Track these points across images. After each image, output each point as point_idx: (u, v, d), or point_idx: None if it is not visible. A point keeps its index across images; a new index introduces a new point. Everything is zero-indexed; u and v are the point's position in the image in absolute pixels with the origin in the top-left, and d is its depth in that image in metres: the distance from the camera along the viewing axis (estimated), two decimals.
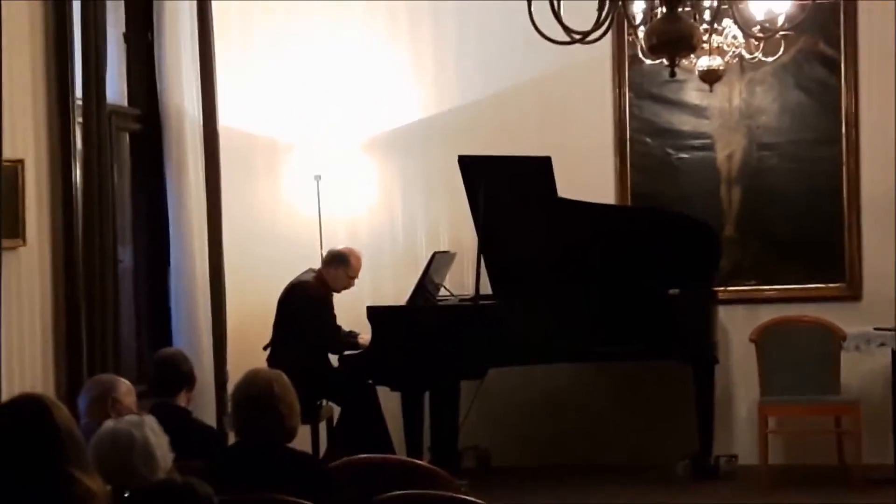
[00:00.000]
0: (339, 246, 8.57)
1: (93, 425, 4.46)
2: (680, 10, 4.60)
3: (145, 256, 8.51)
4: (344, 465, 5.18)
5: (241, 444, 4.74)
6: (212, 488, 4.17)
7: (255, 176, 9.22)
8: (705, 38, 6.00)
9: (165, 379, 5.99)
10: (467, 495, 6.69)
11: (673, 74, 4.78)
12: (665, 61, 4.72)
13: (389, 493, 4.50)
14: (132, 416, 4.21)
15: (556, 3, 4.72)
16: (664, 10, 4.62)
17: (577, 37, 4.52)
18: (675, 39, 4.44)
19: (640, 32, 4.93)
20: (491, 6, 8.83)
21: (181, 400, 5.94)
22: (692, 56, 7.04)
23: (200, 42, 8.51)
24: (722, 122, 8.98)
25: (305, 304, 8.30)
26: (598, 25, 4.44)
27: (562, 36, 4.87)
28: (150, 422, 4.03)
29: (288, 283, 8.40)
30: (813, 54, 8.86)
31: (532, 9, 4.88)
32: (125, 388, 5.30)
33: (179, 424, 5.58)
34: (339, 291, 8.47)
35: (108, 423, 4.01)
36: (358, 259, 8.47)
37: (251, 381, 4.75)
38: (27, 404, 3.45)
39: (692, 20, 4.67)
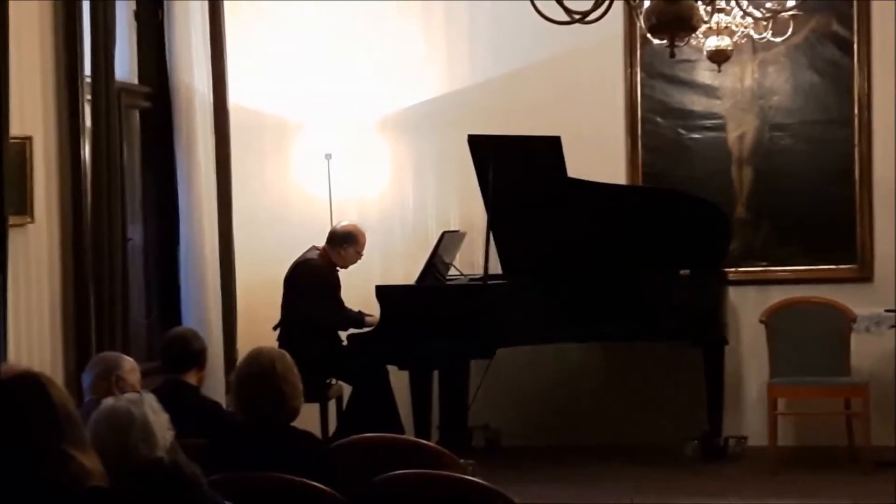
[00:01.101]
0: (343, 224, 8.54)
1: (96, 402, 4.46)
2: None
3: (155, 234, 8.51)
4: (347, 445, 5.18)
5: (243, 423, 4.73)
6: (211, 467, 4.19)
7: (265, 155, 9.23)
8: (707, 18, 5.97)
9: (174, 356, 5.97)
10: (474, 475, 6.71)
11: (672, 55, 4.76)
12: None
13: (389, 473, 4.50)
14: (131, 393, 4.20)
15: None
16: None
17: (577, 17, 4.50)
18: (674, 20, 4.41)
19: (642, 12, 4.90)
20: None
21: (191, 378, 5.92)
22: (700, 36, 7.02)
23: (211, 20, 8.52)
24: (734, 102, 8.94)
25: (311, 282, 8.31)
26: (597, 5, 4.42)
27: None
28: (150, 399, 4.01)
29: (293, 262, 8.41)
30: (826, 34, 8.81)
31: None
32: (129, 365, 5.30)
33: (188, 402, 5.61)
34: (347, 268, 8.49)
35: (108, 401, 3.98)
36: (363, 234, 8.48)
37: (254, 360, 4.74)
38: (24, 382, 3.45)
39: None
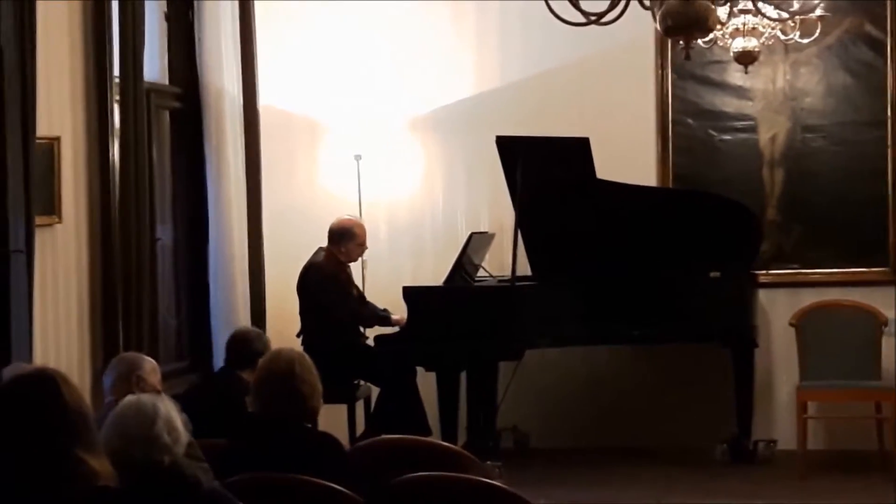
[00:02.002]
0: (337, 221, 8.48)
1: (116, 403, 4.47)
2: None
3: (185, 234, 8.51)
4: (367, 446, 5.19)
5: (261, 424, 4.74)
6: (230, 466, 4.20)
7: (294, 155, 9.23)
8: (726, 19, 5.95)
9: (233, 352, 6.42)
10: (501, 476, 6.70)
11: (688, 57, 4.74)
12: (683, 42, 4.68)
13: (408, 475, 4.50)
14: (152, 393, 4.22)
15: None
16: None
17: (593, 18, 4.48)
18: (689, 22, 4.40)
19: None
20: None
21: (247, 376, 6.01)
22: (729, 37, 6.98)
23: (241, 21, 8.55)
24: (765, 103, 8.89)
25: (323, 284, 8.28)
26: (612, 6, 4.40)
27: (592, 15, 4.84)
28: (169, 401, 4.04)
29: (301, 268, 8.39)
30: (859, 36, 8.75)
31: None
32: (150, 366, 5.32)
33: (235, 394, 5.68)
34: (355, 261, 8.49)
35: (130, 396, 4.01)
36: (361, 226, 8.46)
37: (273, 361, 4.77)
38: (38, 382, 3.47)
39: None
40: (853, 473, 8.04)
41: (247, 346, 6.42)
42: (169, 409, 3.85)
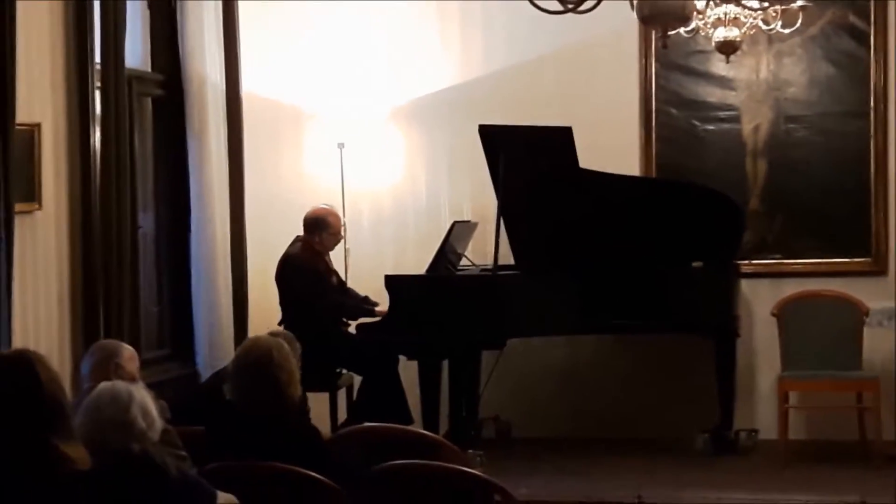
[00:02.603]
0: (311, 211, 8.44)
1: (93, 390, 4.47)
2: None
3: (167, 222, 8.49)
4: (346, 435, 5.19)
5: (238, 411, 4.73)
6: (208, 454, 4.19)
7: (278, 143, 9.21)
8: (705, 8, 5.93)
9: None
10: (482, 465, 6.71)
11: (665, 46, 4.73)
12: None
13: (386, 463, 4.50)
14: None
15: None
16: None
17: (570, 6, 4.48)
18: (666, 10, 4.39)
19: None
20: None
21: None
22: (710, 27, 6.97)
23: (224, 8, 8.53)
24: (749, 93, 8.88)
25: (300, 276, 8.24)
26: None
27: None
28: (143, 387, 4.03)
29: (279, 259, 8.37)
30: (842, 26, 8.74)
31: None
32: (128, 353, 5.30)
33: None
34: (332, 250, 8.46)
35: (105, 383, 4.00)
36: (335, 216, 8.43)
37: (250, 349, 4.76)
38: (15, 363, 3.45)
39: None
40: (834, 463, 8.05)
41: None
42: (143, 395, 3.84)
